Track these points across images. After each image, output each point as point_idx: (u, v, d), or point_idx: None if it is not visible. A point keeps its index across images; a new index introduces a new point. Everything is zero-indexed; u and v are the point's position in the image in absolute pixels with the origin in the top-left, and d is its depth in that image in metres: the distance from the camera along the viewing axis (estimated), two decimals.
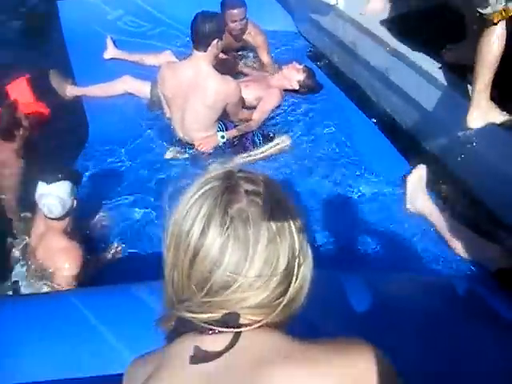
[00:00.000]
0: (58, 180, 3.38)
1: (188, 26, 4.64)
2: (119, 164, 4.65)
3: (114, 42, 5.94)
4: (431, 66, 4.21)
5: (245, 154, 4.56)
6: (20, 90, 5.15)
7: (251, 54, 5.79)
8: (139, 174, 4.55)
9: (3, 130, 4.52)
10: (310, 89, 5.23)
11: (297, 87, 5.20)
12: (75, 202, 3.48)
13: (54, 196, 3.36)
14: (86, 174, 4.45)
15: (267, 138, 4.68)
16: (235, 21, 5.25)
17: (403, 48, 4.53)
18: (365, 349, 1.04)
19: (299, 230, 1.08)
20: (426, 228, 3.80)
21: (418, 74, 4.28)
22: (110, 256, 3.82)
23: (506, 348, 2.45)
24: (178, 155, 4.66)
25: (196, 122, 4.52)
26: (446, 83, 4.05)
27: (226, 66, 5.23)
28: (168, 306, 1.12)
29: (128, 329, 2.44)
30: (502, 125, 3.69)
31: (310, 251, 1.11)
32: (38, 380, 2.22)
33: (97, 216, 4.11)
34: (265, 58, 5.55)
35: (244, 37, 5.48)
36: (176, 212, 1.09)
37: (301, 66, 5.27)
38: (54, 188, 3.37)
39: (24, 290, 3.54)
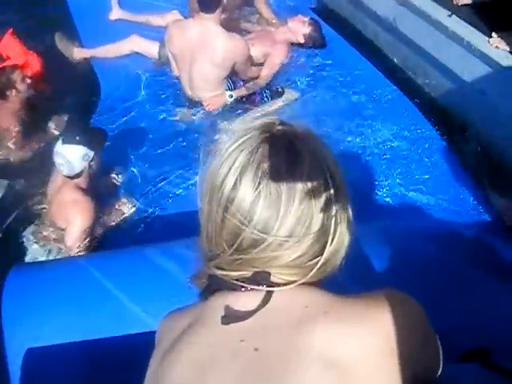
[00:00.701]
0: (73, 143, 3.44)
1: None
2: (129, 125, 4.66)
3: (119, 3, 5.86)
4: (440, 13, 4.16)
5: (254, 110, 4.55)
6: (8, 45, 5.04)
7: (252, 10, 5.69)
8: (150, 134, 4.55)
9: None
10: (316, 42, 5.14)
11: (302, 41, 5.12)
12: (88, 166, 3.54)
13: (63, 156, 3.44)
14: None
15: (275, 93, 4.68)
16: None
17: None
18: (401, 299, 1.04)
19: (338, 188, 1.03)
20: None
21: (427, 23, 4.23)
22: (121, 213, 3.86)
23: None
24: (188, 116, 4.66)
25: (204, 81, 4.50)
26: (456, 31, 3.99)
27: (230, 24, 5.16)
28: (201, 260, 1.10)
29: (143, 291, 2.44)
30: None
31: (350, 211, 1.07)
32: (55, 343, 2.25)
33: (109, 176, 4.13)
34: (263, 9, 5.47)
35: None
36: (213, 161, 1.06)
37: (306, 19, 5.19)
38: (66, 149, 3.44)
39: (36, 248, 3.63)
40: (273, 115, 4.48)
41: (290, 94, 4.69)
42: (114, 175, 4.16)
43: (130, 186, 4.11)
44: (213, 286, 1.09)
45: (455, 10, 4.08)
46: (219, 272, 1.04)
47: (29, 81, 4.74)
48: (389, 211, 3.64)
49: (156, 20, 5.53)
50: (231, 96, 4.56)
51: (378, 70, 4.81)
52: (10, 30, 5.08)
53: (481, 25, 3.90)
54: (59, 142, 3.47)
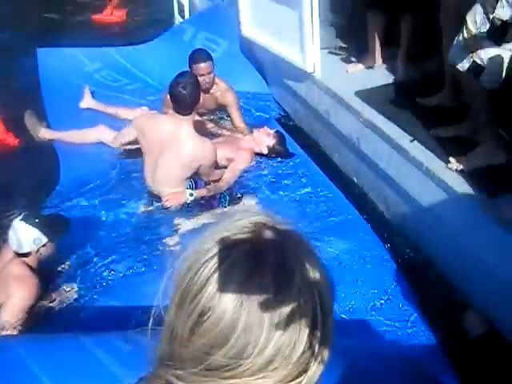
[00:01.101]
0: (29, 223, 3.55)
1: (161, 83, 4.74)
2: (85, 213, 4.63)
3: (92, 93, 5.99)
4: (403, 138, 4.27)
5: (210, 213, 4.57)
6: None
7: (223, 115, 5.84)
8: (105, 224, 4.54)
9: None
10: (279, 154, 5.26)
11: (266, 152, 5.22)
12: (36, 250, 3.59)
13: (15, 232, 3.53)
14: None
15: (234, 199, 4.72)
16: (202, 75, 5.23)
17: (377, 119, 4.59)
18: None
19: (324, 318, 0.91)
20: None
21: (390, 146, 4.34)
22: (63, 298, 3.80)
23: None
24: (146, 210, 4.67)
25: (167, 177, 4.52)
26: (416, 156, 4.09)
27: (202, 127, 5.30)
28: (159, 364, 0.95)
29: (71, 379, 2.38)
30: None
31: (331, 339, 0.94)
32: None
33: (61, 262, 4.10)
34: (235, 116, 5.57)
35: (215, 95, 5.51)
36: (190, 259, 0.92)
37: (272, 131, 5.32)
38: (21, 227, 3.54)
39: None
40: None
41: (248, 201, 4.72)
42: (65, 262, 4.13)
43: (79, 272, 4.05)
44: None
45: (417, 137, 4.20)
46: (178, 383, 0.90)
47: None
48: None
49: (125, 113, 5.63)
50: (191, 195, 4.56)
51: (336, 188, 4.88)
52: None
53: (440, 151, 4.03)
54: (19, 217, 3.58)
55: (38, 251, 3.60)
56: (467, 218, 3.72)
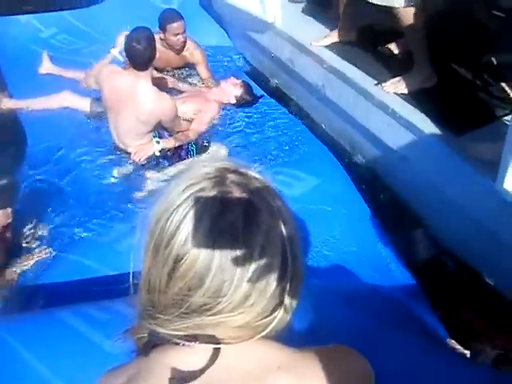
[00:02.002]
0: None
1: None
2: (56, 179, 4.62)
3: (50, 58, 5.88)
4: (368, 82, 4.30)
5: (180, 164, 4.62)
6: None
7: (191, 71, 5.81)
8: (75, 186, 4.53)
9: None
10: (247, 103, 5.32)
11: (234, 101, 5.28)
12: None
13: None
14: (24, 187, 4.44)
15: (202, 147, 4.76)
16: (177, 34, 5.29)
17: (340, 64, 4.60)
18: (349, 353, 1.03)
19: (293, 250, 0.96)
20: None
21: (355, 90, 4.37)
22: (35, 258, 3.82)
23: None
24: (124, 171, 4.68)
25: (128, 132, 4.55)
26: (382, 99, 4.13)
27: (164, 84, 5.29)
28: (141, 315, 1.00)
29: (53, 353, 2.42)
30: None
31: (302, 272, 1.00)
32: None
33: (32, 228, 4.08)
34: (203, 73, 5.61)
35: (183, 54, 5.51)
36: (159, 209, 0.96)
37: (238, 81, 5.37)
38: None
39: None
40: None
41: (216, 148, 4.79)
42: (38, 227, 4.11)
43: (48, 236, 4.06)
44: (153, 342, 1.00)
45: (382, 80, 4.24)
46: (162, 330, 0.95)
47: None
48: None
49: (87, 76, 5.55)
50: (158, 142, 4.58)
51: (307, 130, 4.94)
52: None
53: (405, 93, 4.07)
54: None
55: None
56: (434, 157, 3.78)
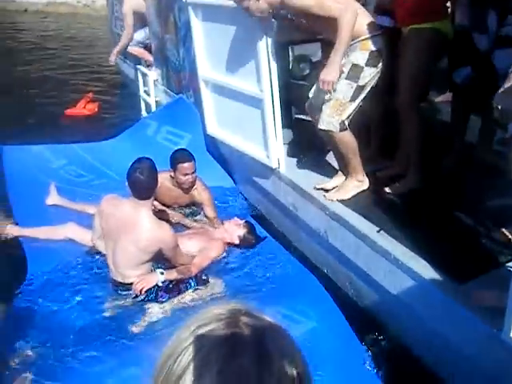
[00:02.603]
0: None
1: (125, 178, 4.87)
2: (54, 310, 4.57)
3: (58, 190, 6.03)
4: (370, 229, 4.41)
5: (178, 298, 4.62)
6: None
7: (197, 209, 5.93)
8: (72, 321, 4.46)
9: None
10: (249, 243, 5.38)
11: (237, 241, 5.35)
12: None
13: None
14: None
15: (200, 281, 4.78)
16: (187, 174, 5.48)
17: (343, 211, 4.72)
18: None
19: None
20: None
21: (357, 238, 4.47)
22: None
23: None
24: (122, 303, 4.65)
25: (126, 261, 4.54)
26: (383, 246, 4.20)
27: (170, 217, 5.46)
28: None
29: None
30: None
31: None
32: None
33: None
34: (210, 213, 5.70)
35: (191, 193, 5.67)
36: (168, 350, 0.93)
37: (241, 222, 5.47)
38: None
39: None
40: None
41: (215, 282, 4.83)
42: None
43: (39, 366, 3.94)
44: None
45: (383, 226, 4.35)
46: None
47: None
48: None
49: (91, 209, 5.60)
50: (162, 273, 4.58)
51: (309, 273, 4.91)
52: None
53: (406, 240, 4.16)
54: None
55: None
56: (437, 304, 3.78)
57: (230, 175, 6.68)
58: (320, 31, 4.83)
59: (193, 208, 5.95)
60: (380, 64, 4.58)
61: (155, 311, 4.54)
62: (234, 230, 5.39)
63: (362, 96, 4.65)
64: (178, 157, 5.54)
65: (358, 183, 4.82)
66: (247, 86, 5.39)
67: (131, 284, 4.58)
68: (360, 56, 4.52)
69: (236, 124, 5.92)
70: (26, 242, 5.31)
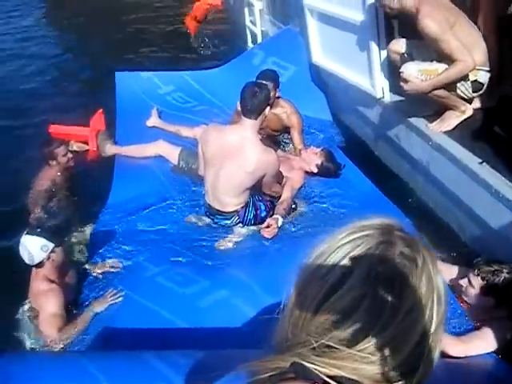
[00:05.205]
0: (33, 234, 3.75)
1: (229, 106, 5.33)
2: (138, 221, 4.80)
3: (160, 113, 6.26)
4: (472, 161, 4.29)
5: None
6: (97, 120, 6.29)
7: (283, 137, 5.95)
8: (158, 233, 4.66)
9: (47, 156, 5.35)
10: (329, 171, 5.33)
11: (316, 170, 5.30)
12: (47, 257, 3.76)
13: (24, 246, 3.74)
14: (103, 226, 4.72)
15: (291, 210, 4.86)
16: None
17: (446, 142, 4.58)
18: None
19: (441, 315, 0.96)
20: None
21: (460, 169, 4.39)
22: (108, 301, 3.90)
23: None
24: (197, 221, 4.81)
25: (230, 185, 4.55)
26: (486, 179, 4.05)
27: (264, 142, 5.37)
28: (279, 346, 0.98)
29: None
30: None
31: (441, 342, 0.97)
32: None
33: (108, 265, 4.26)
34: (296, 138, 5.64)
35: (281, 116, 5.58)
36: (323, 246, 0.99)
37: (318, 150, 5.39)
38: (27, 240, 3.75)
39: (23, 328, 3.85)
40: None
41: (302, 207, 4.93)
42: (113, 264, 4.27)
43: (124, 277, 4.15)
44: (286, 375, 0.94)
45: (486, 159, 4.21)
46: (304, 363, 0.92)
47: (70, 156, 5.47)
48: None
49: (185, 131, 5.91)
50: (280, 217, 4.63)
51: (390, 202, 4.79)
52: (101, 110, 6.38)
53: (509, 175, 4.01)
54: (24, 233, 3.77)
55: (49, 258, 3.77)
56: None
57: (334, 106, 6.55)
58: None
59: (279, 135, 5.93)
60: None
61: (242, 232, 4.65)
62: (312, 158, 5.31)
63: None
64: (259, 74, 5.42)
65: (460, 113, 4.67)
66: (352, 15, 5.19)
67: (228, 212, 4.64)
68: None
69: (341, 53, 5.74)
70: (120, 159, 5.66)
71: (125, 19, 11.61)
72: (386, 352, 0.90)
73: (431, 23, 4.26)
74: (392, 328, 0.90)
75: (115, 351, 3.23)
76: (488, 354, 3.23)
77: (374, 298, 0.91)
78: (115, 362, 2.78)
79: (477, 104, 4.80)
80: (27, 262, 3.76)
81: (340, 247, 0.96)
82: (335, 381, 0.90)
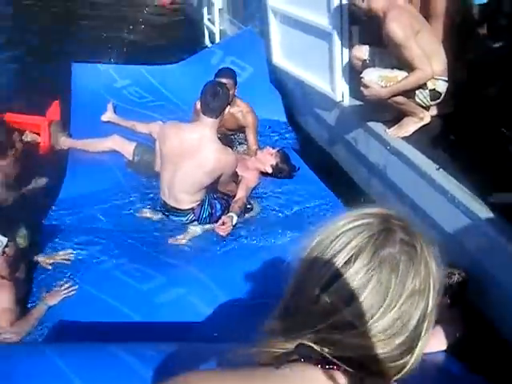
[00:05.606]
0: None
1: (185, 103, 5.45)
2: (92, 215, 4.77)
3: (115, 108, 6.19)
4: (429, 165, 4.36)
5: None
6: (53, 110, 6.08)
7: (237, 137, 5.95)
8: (111, 227, 4.65)
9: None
10: (282, 172, 5.36)
11: (270, 171, 5.33)
12: (1, 253, 3.64)
13: None
14: (55, 219, 4.67)
15: (246, 210, 4.89)
16: None
17: (402, 147, 4.63)
18: None
19: (437, 295, 1.03)
20: None
21: (416, 173, 4.43)
22: (62, 294, 3.85)
23: None
24: (151, 216, 4.79)
25: (188, 183, 4.53)
26: (441, 183, 4.10)
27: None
28: (281, 330, 1.02)
29: None
30: None
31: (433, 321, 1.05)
32: None
33: (58, 256, 4.20)
34: (251, 138, 5.66)
35: (236, 115, 5.57)
36: (323, 234, 1.04)
37: (274, 150, 5.42)
38: None
39: None
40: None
41: (257, 208, 4.97)
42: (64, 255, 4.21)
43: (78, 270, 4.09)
44: (291, 356, 1.00)
45: (443, 165, 4.28)
46: (310, 345, 0.98)
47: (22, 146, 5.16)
48: None
49: (140, 127, 5.91)
50: (234, 215, 4.64)
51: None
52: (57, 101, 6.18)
53: (465, 181, 4.08)
54: None
55: (4, 253, 3.66)
56: (490, 244, 3.69)
57: (291, 108, 6.59)
58: None
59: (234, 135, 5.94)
60: None
61: (196, 230, 4.65)
62: (267, 159, 5.34)
63: None
64: (218, 72, 5.41)
65: (418, 119, 4.73)
66: (317, 19, 5.22)
67: (183, 210, 4.62)
68: None
69: (303, 56, 5.75)
70: (73, 153, 5.58)
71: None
72: (390, 332, 0.97)
73: (397, 28, 4.30)
74: (396, 309, 0.97)
75: (77, 343, 3.19)
76: (441, 351, 3.32)
77: (379, 281, 0.97)
78: (80, 353, 2.75)
79: (434, 111, 4.87)
80: None
81: (342, 234, 1.01)
82: (340, 361, 0.96)
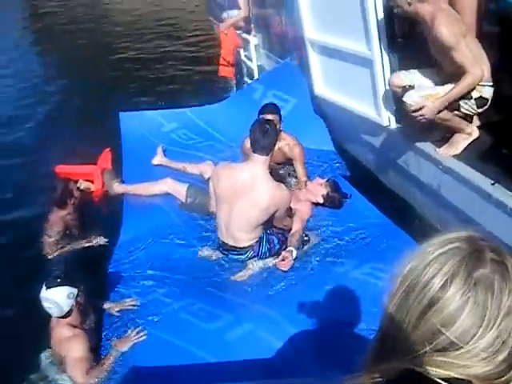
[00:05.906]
0: (55, 285, 3.69)
1: (232, 141, 5.56)
2: (152, 258, 4.80)
3: (164, 151, 6.31)
4: (483, 180, 4.27)
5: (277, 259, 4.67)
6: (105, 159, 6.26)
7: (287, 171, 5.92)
8: (172, 268, 4.66)
9: (58, 198, 5.21)
10: (334, 202, 5.36)
11: (321, 201, 5.33)
12: (75, 303, 3.75)
13: (50, 301, 3.68)
14: (117, 265, 4.71)
15: (305, 242, 4.89)
16: None
17: (454, 164, 4.60)
18: None
19: None
20: None
21: (471, 189, 4.34)
22: (129, 341, 3.87)
23: None
24: (211, 255, 4.82)
25: (244, 222, 4.57)
26: (498, 197, 4.07)
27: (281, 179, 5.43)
28: (382, 358, 1.07)
29: None
30: None
31: None
32: None
33: (126, 303, 4.25)
34: (300, 170, 5.64)
35: (283, 149, 5.58)
36: (414, 261, 1.07)
37: (323, 181, 5.43)
38: (51, 293, 3.68)
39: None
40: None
41: (314, 238, 4.95)
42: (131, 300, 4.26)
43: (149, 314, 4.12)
44: (405, 381, 1.04)
45: (497, 179, 4.24)
46: (416, 368, 1.02)
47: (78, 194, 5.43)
48: None
49: (191, 168, 5.98)
50: (294, 249, 4.66)
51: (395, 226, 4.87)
52: (108, 149, 6.36)
53: None
54: (43, 288, 3.69)
55: (77, 304, 3.77)
56: None
57: (337, 136, 6.58)
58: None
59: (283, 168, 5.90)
60: None
61: (258, 265, 4.68)
62: (318, 189, 5.35)
63: None
64: (262, 109, 5.44)
65: (467, 135, 4.70)
66: (356, 47, 5.25)
67: (242, 248, 4.64)
68: None
69: (345, 84, 5.78)
70: (128, 198, 5.67)
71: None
72: (492, 350, 0.98)
73: (447, 31, 4.24)
74: (495, 328, 0.98)
75: None
76: None
77: (476, 302, 0.99)
78: None
79: (477, 122, 4.83)
80: (56, 315, 3.76)
81: (434, 259, 1.04)
82: (447, 383, 0.99)
